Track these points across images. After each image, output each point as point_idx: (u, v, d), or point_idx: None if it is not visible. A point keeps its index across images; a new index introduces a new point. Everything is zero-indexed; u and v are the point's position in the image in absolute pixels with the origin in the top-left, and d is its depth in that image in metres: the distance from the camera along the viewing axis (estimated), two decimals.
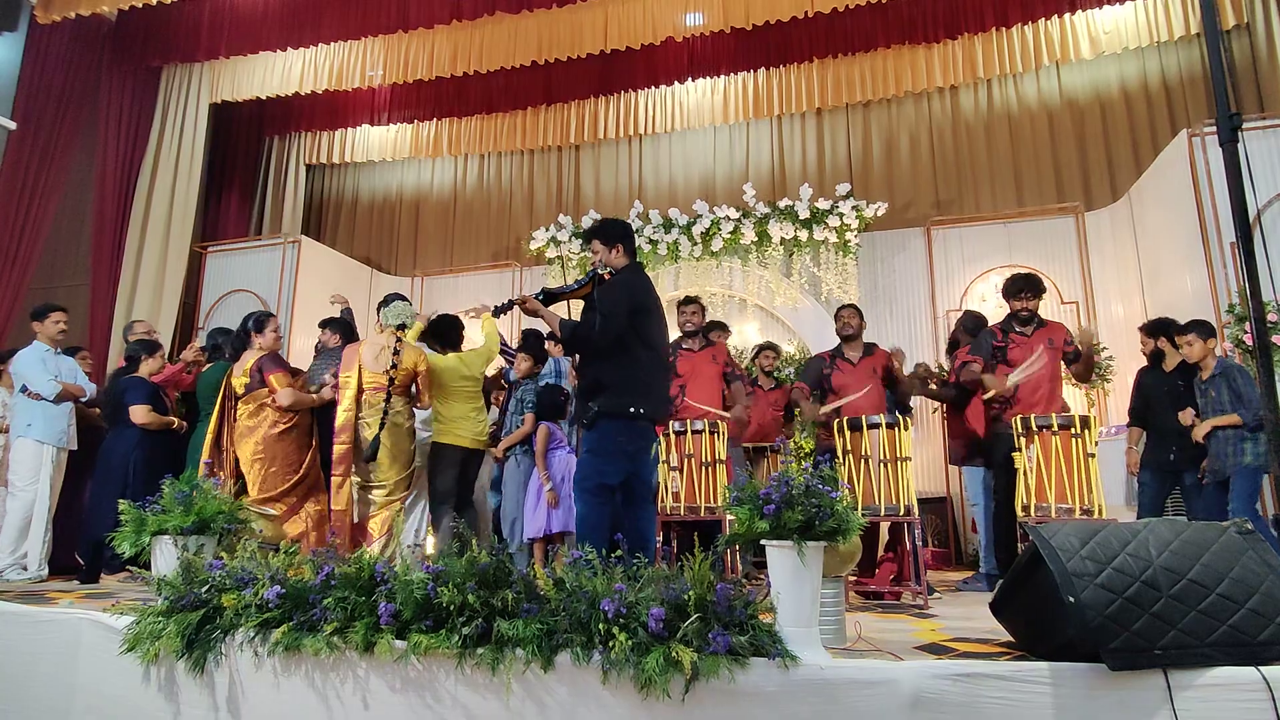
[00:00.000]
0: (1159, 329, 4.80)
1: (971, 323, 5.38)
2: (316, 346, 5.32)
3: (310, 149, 9.91)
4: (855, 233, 7.65)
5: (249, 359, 4.35)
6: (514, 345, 5.52)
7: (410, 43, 8.04)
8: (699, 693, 2.17)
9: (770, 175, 8.70)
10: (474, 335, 5.17)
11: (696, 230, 7.96)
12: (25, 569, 4.64)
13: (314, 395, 4.49)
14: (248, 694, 2.56)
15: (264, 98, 8.59)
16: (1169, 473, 4.67)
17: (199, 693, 2.61)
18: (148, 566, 3.00)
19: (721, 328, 5.89)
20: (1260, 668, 2.00)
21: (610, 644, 2.21)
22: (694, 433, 4.30)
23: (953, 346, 5.43)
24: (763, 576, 2.78)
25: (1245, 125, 2.54)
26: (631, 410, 3.38)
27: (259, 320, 4.46)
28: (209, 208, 9.31)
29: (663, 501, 4.33)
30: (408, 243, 9.95)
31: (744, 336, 7.85)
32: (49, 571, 4.74)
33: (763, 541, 2.37)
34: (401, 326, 4.40)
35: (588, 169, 9.46)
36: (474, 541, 2.56)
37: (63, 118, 7.45)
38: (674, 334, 5.15)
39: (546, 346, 5.26)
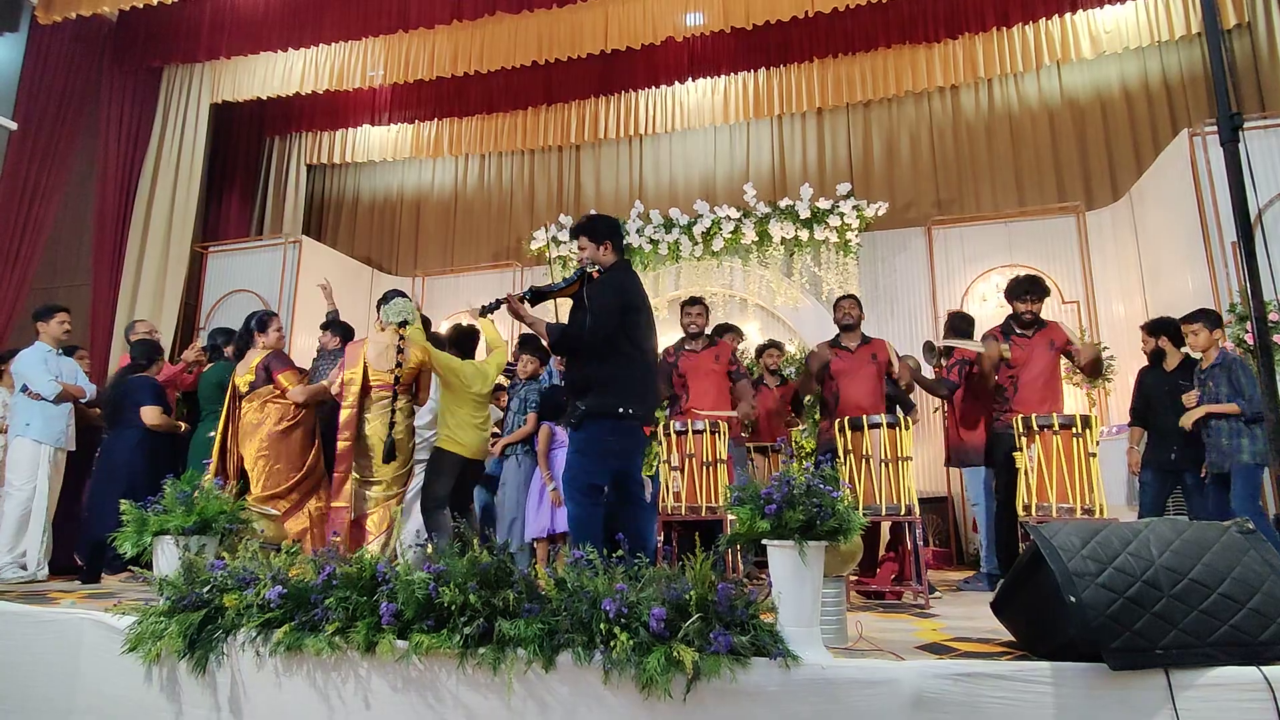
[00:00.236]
0: (1160, 328, 4.80)
1: (961, 324, 5.38)
2: (317, 349, 5.31)
3: (311, 149, 9.92)
4: (856, 232, 7.65)
5: (254, 358, 4.35)
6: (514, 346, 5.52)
7: (411, 43, 8.05)
8: (700, 692, 2.17)
9: (771, 175, 8.71)
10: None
11: (697, 230, 7.96)
12: (24, 568, 4.64)
13: (327, 385, 4.49)
14: (249, 694, 2.57)
15: (265, 98, 8.60)
16: (1170, 472, 4.66)
17: (201, 693, 2.61)
18: (149, 566, 3.00)
19: (734, 330, 5.90)
20: (1262, 667, 2.00)
21: (612, 644, 2.21)
22: (695, 432, 4.30)
23: (947, 350, 5.41)
24: (764, 576, 2.78)
25: (1246, 125, 2.54)
26: (620, 410, 3.34)
27: (262, 320, 4.47)
28: (210, 208, 9.32)
29: (664, 501, 4.34)
30: (408, 243, 9.96)
31: (745, 336, 7.84)
32: (49, 572, 4.74)
33: (764, 541, 2.37)
34: (404, 324, 4.39)
35: (588, 169, 9.47)
36: (475, 541, 2.56)
37: (63, 118, 7.46)
38: (676, 334, 5.16)
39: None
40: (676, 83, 8.77)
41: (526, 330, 5.42)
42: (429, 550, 2.68)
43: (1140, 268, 6.89)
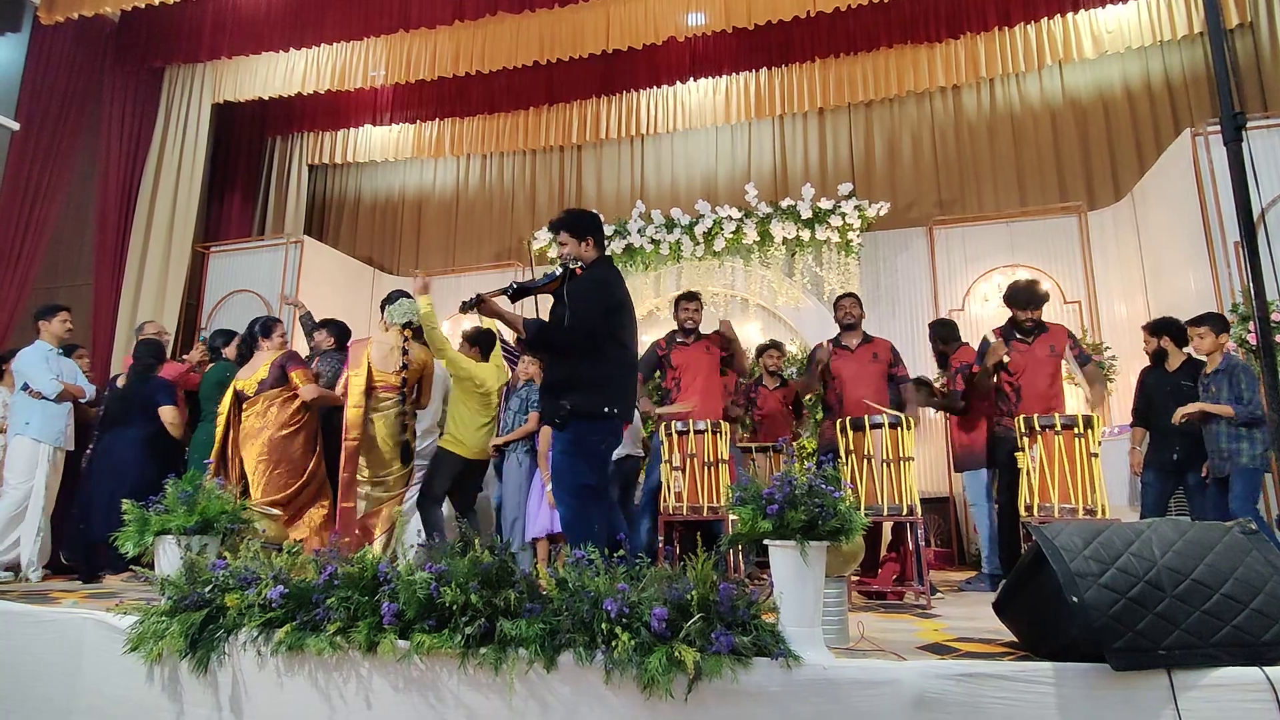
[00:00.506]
0: (1162, 328, 4.79)
1: (943, 331, 5.34)
2: (310, 348, 5.28)
3: (313, 149, 9.93)
4: (857, 232, 7.64)
5: (261, 360, 4.35)
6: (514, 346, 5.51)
7: (412, 43, 8.05)
8: (702, 692, 2.17)
9: (772, 175, 8.70)
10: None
11: (699, 230, 7.95)
12: (9, 570, 4.61)
13: (336, 394, 4.47)
14: (251, 694, 2.57)
15: (266, 98, 8.59)
16: (1172, 473, 4.65)
17: (202, 692, 2.61)
18: (151, 566, 3.00)
19: (775, 345, 5.86)
20: (1264, 668, 2.00)
21: (613, 644, 2.21)
22: (696, 432, 4.30)
23: (941, 359, 5.37)
24: (765, 576, 2.78)
25: (1249, 124, 2.54)
26: (605, 410, 3.27)
27: (266, 325, 4.48)
28: (211, 208, 9.33)
29: (665, 501, 4.34)
30: (410, 243, 9.96)
31: (747, 336, 7.83)
32: (47, 572, 4.73)
33: (766, 541, 2.37)
34: (408, 325, 4.39)
35: (590, 169, 9.47)
36: (476, 541, 2.56)
37: (66, 118, 7.46)
38: (668, 329, 5.13)
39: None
40: (678, 83, 8.76)
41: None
42: (430, 549, 2.68)
43: (1142, 268, 6.88)
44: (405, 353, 4.28)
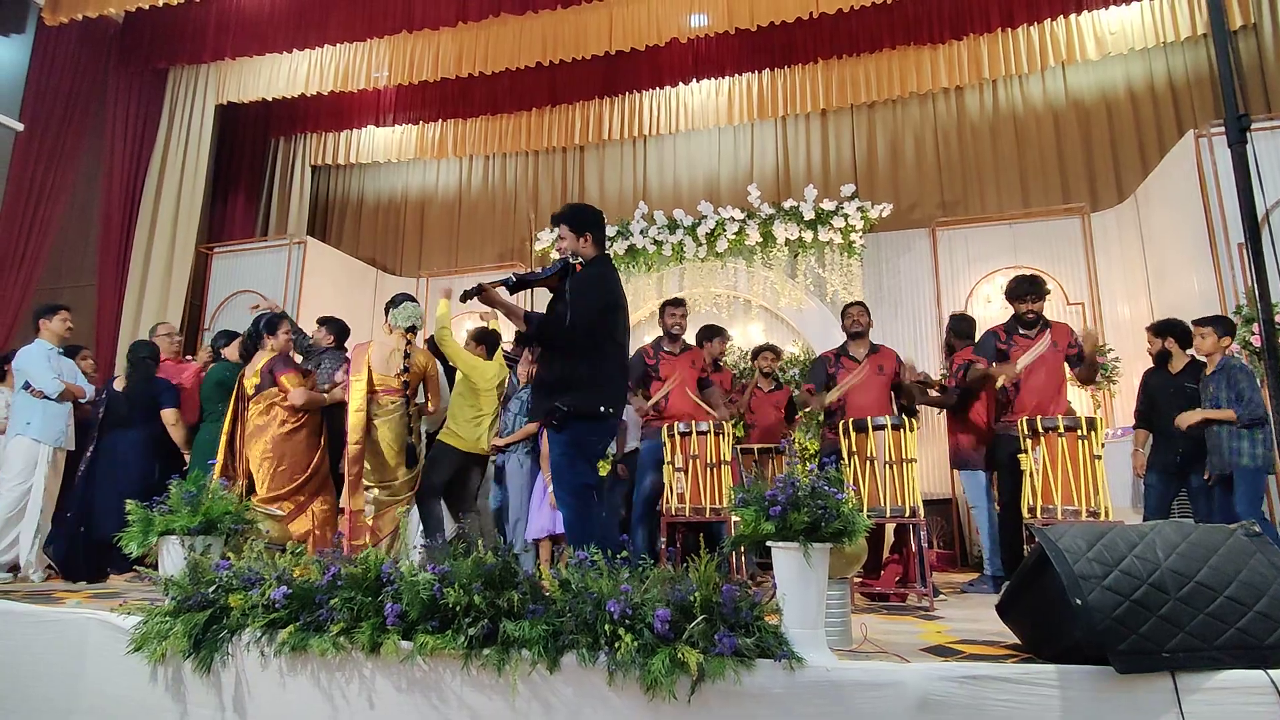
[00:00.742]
0: (1166, 329, 4.79)
1: (961, 326, 5.36)
2: (308, 345, 5.26)
3: (316, 150, 9.95)
4: (860, 234, 7.64)
5: (260, 360, 4.37)
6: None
7: (415, 44, 8.06)
8: (705, 694, 2.17)
9: (775, 176, 8.70)
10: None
11: (701, 231, 7.96)
12: (18, 569, 4.61)
13: (326, 395, 4.50)
14: (254, 694, 2.57)
15: (270, 99, 8.61)
16: (1175, 475, 4.64)
17: (205, 692, 2.61)
18: (155, 566, 3.01)
19: (720, 334, 5.74)
20: (1269, 671, 1.99)
21: (616, 645, 2.21)
22: (699, 434, 4.30)
23: (949, 351, 5.41)
24: (768, 578, 2.78)
25: (1253, 126, 2.54)
26: (602, 410, 3.26)
27: (271, 322, 4.48)
28: (215, 209, 9.35)
29: (667, 503, 4.34)
30: (413, 243, 9.97)
31: (748, 338, 7.84)
32: (49, 572, 4.73)
33: (768, 543, 2.36)
34: (411, 329, 4.41)
35: (592, 170, 9.47)
36: (479, 542, 2.56)
37: (70, 119, 7.48)
38: (656, 334, 5.17)
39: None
40: (681, 84, 8.78)
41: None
42: (433, 550, 2.68)
43: (1145, 269, 6.87)
44: (407, 356, 4.29)
